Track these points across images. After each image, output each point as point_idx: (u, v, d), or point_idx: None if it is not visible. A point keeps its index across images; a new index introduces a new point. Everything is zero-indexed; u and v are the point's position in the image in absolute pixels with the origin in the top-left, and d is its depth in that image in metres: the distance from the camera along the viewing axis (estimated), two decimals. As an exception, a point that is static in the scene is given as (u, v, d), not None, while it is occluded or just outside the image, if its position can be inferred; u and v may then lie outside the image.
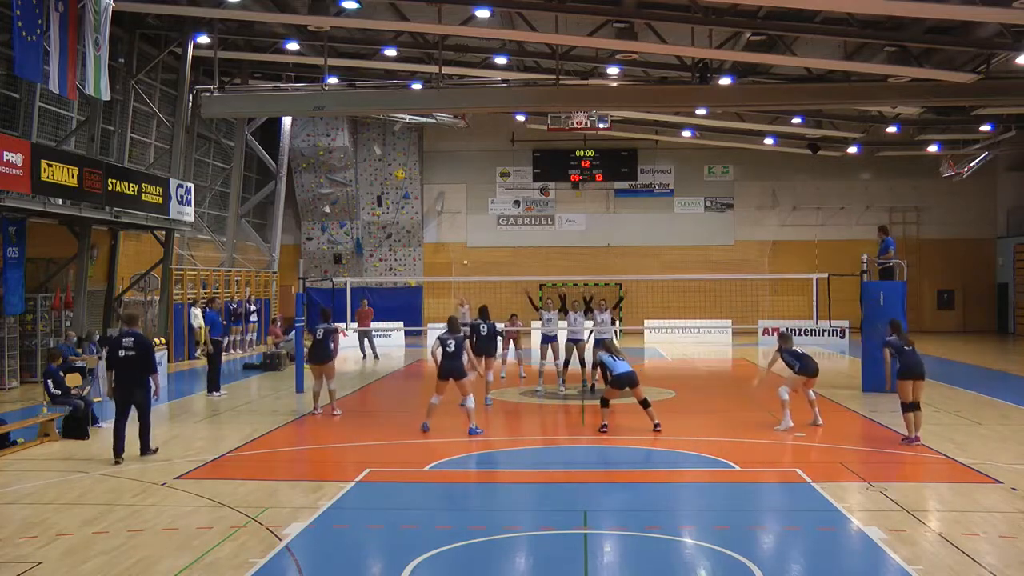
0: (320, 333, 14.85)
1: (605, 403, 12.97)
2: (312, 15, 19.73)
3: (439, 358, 12.69)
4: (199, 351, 25.86)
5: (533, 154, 35.58)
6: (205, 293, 27.32)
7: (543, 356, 17.62)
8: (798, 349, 13.34)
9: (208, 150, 30.62)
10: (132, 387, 11.35)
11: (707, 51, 20.46)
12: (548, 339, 17.65)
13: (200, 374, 22.27)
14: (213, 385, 17.63)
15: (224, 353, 23.47)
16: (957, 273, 35.24)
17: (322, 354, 14.78)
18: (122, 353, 11.32)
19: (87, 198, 18.95)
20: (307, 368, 15.77)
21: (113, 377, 11.38)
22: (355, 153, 35.29)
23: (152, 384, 11.56)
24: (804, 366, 13.15)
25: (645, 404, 12.82)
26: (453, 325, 12.99)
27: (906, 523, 8.20)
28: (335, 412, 14.81)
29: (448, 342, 12.62)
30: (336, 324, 15.93)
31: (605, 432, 12.64)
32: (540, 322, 18.01)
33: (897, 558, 7.23)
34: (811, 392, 13.41)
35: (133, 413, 11.41)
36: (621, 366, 12.84)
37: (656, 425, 12.68)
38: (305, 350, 16.83)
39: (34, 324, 19.34)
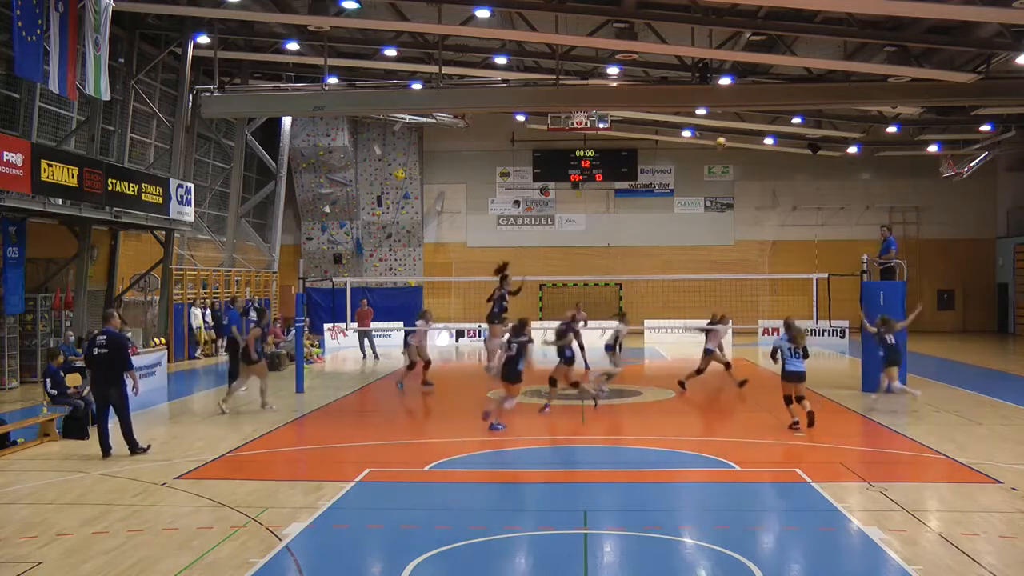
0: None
1: (789, 400, 12.83)
2: (312, 15, 19.73)
3: (501, 360, 12.88)
4: (199, 351, 25.91)
5: (533, 154, 35.58)
6: (205, 293, 27.33)
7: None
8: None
9: (208, 150, 30.62)
10: (107, 385, 11.43)
11: (707, 51, 20.47)
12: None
13: (200, 374, 22.33)
14: (234, 380, 17.82)
15: (224, 352, 23.45)
16: (957, 273, 35.24)
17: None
18: (96, 351, 11.38)
19: (87, 198, 18.94)
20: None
21: (90, 376, 11.49)
22: (355, 153, 35.28)
23: (129, 381, 11.56)
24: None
25: (799, 398, 12.78)
26: (520, 327, 13.07)
27: (906, 523, 8.20)
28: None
29: (512, 345, 12.88)
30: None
31: (796, 429, 12.57)
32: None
33: (897, 558, 7.23)
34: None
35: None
36: (794, 363, 12.73)
37: (795, 422, 12.67)
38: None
39: (34, 324, 19.34)
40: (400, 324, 29.67)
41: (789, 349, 12.77)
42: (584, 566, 7.19)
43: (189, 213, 24.12)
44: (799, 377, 12.73)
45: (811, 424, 12.58)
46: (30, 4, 14.61)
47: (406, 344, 18.55)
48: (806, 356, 12.83)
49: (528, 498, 9.75)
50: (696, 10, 18.48)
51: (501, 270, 17.25)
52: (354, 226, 35.87)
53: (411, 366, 18.36)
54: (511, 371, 12.94)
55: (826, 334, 28.04)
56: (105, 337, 11.42)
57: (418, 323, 18.63)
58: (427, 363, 18.22)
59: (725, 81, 21.81)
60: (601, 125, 24.00)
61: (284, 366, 22.23)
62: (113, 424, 11.63)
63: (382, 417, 15.30)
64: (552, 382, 14.86)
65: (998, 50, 18.69)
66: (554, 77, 22.40)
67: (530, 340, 12.92)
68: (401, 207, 36.02)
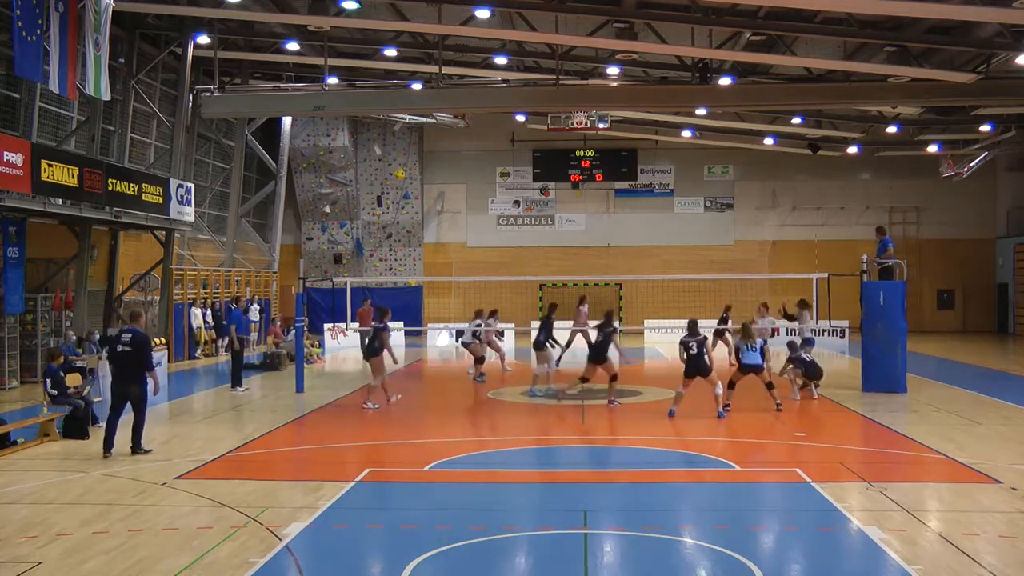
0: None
1: (732, 385, 15.03)
2: (312, 15, 19.72)
3: (685, 359, 14.46)
4: (199, 351, 25.91)
5: (533, 154, 35.56)
6: (206, 293, 27.33)
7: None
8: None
9: (208, 150, 30.62)
10: (128, 382, 11.58)
11: (707, 51, 20.45)
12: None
13: (200, 374, 22.32)
14: (236, 380, 17.87)
15: (225, 352, 23.49)
16: (957, 273, 35.22)
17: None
18: (119, 348, 11.59)
19: (87, 198, 18.94)
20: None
21: (111, 372, 11.61)
22: (355, 153, 35.28)
23: (150, 381, 11.68)
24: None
25: (768, 386, 14.99)
26: (693, 328, 14.52)
27: (906, 523, 8.20)
28: None
29: (690, 344, 14.34)
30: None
31: (728, 409, 14.63)
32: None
33: (897, 558, 7.23)
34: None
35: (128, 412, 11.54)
36: (749, 357, 14.83)
37: (778, 405, 14.82)
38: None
39: (34, 324, 19.34)
40: (400, 324, 29.71)
41: (746, 346, 14.99)
42: (584, 566, 7.19)
43: (189, 213, 24.12)
44: (755, 369, 14.84)
45: (778, 407, 14.84)
46: (30, 4, 14.60)
47: (471, 340, 19.76)
48: (763, 352, 14.99)
49: (528, 498, 9.75)
50: (696, 10, 18.47)
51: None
52: (354, 226, 35.87)
53: (481, 359, 19.66)
54: (698, 366, 14.27)
55: (826, 334, 28.01)
56: (130, 336, 11.60)
57: (487, 321, 19.95)
58: (480, 359, 19.61)
59: (725, 81, 21.79)
60: (601, 125, 23.99)
61: (284, 366, 22.25)
62: (120, 424, 11.61)
63: (382, 417, 15.30)
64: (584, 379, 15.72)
65: (998, 50, 18.68)
66: (554, 77, 22.37)
67: (706, 338, 14.72)
68: (401, 207, 36.02)
